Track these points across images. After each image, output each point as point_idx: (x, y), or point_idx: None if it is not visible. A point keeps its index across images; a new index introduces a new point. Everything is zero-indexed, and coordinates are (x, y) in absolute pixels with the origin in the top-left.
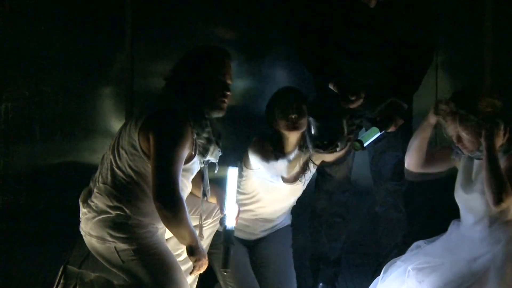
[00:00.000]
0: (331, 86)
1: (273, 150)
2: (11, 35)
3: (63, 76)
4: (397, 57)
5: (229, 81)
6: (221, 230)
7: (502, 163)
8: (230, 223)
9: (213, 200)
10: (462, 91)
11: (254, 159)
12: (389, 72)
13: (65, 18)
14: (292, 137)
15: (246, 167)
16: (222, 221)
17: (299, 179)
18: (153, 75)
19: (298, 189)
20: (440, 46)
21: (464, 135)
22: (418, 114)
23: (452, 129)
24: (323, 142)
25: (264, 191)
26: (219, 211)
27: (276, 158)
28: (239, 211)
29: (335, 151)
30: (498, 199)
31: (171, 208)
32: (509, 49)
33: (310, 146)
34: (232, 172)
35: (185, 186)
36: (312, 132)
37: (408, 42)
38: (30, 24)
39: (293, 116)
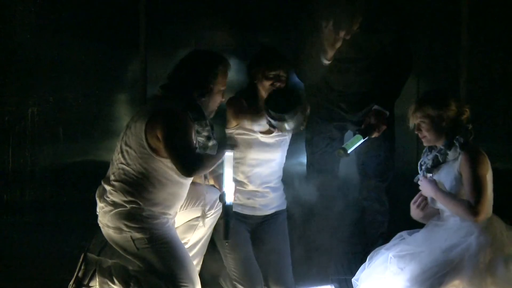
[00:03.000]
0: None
1: (248, 105)
2: (37, 47)
3: (83, 83)
4: (376, 70)
5: (224, 88)
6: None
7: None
8: (229, 199)
9: (210, 181)
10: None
11: (232, 114)
12: (368, 83)
13: (84, 31)
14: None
15: (228, 128)
16: (222, 197)
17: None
18: (164, 81)
19: (277, 143)
20: (421, 57)
21: (424, 126)
22: (401, 118)
23: (413, 120)
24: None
25: (250, 149)
26: (219, 203)
27: (251, 111)
28: (235, 188)
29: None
30: (474, 216)
31: (200, 169)
32: (484, 60)
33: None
34: (228, 156)
35: None
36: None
37: (386, 57)
38: (53, 37)
39: (278, 84)
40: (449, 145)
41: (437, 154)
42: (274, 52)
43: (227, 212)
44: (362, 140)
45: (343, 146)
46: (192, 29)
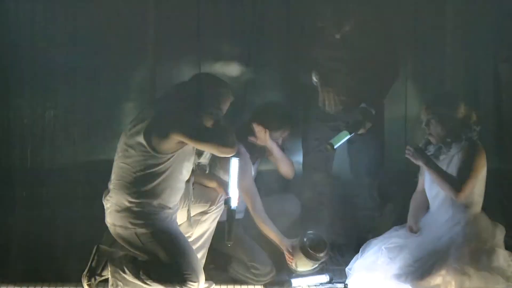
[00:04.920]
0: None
1: (250, 154)
2: (53, 55)
3: (96, 88)
4: (366, 71)
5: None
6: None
7: (459, 157)
8: (234, 204)
9: (212, 184)
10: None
11: (246, 167)
12: (359, 84)
13: (97, 40)
14: None
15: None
16: (227, 202)
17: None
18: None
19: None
20: (409, 61)
21: (433, 122)
22: (390, 118)
23: (424, 115)
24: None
25: None
26: (222, 199)
27: (253, 159)
28: (239, 194)
29: None
30: (457, 191)
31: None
32: (467, 62)
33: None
34: (234, 162)
35: (190, 165)
36: None
37: (374, 59)
38: (69, 46)
39: (278, 141)
40: (455, 137)
41: (442, 145)
42: (283, 111)
43: (231, 216)
44: (349, 136)
45: (329, 141)
46: (195, 39)
